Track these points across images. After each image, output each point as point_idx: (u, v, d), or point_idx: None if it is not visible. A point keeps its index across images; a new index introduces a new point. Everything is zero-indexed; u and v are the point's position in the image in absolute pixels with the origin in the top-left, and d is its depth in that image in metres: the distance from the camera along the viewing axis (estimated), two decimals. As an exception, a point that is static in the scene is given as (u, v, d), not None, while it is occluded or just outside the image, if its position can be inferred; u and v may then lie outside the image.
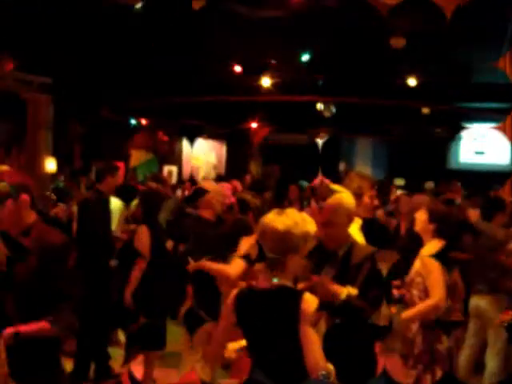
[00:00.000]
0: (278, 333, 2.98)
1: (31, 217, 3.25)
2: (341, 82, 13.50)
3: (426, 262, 4.55)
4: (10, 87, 11.37)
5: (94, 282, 6.14)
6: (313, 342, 2.95)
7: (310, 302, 2.97)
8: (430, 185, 16.86)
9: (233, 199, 8.56)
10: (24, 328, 3.08)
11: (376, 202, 4.93)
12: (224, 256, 4.84)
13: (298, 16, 9.03)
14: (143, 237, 5.72)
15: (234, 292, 3.15)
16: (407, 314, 4.59)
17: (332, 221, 3.81)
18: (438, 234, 4.70)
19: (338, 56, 11.76)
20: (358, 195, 4.59)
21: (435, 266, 4.50)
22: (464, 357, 6.09)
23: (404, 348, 4.75)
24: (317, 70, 12.29)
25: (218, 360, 3.44)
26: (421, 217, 4.83)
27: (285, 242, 2.99)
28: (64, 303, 3.21)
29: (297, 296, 2.99)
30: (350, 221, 3.87)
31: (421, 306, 4.52)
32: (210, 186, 5.65)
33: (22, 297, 3.12)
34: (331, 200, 3.92)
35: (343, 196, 3.96)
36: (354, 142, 19.85)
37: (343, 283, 3.61)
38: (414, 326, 4.65)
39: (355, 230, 4.44)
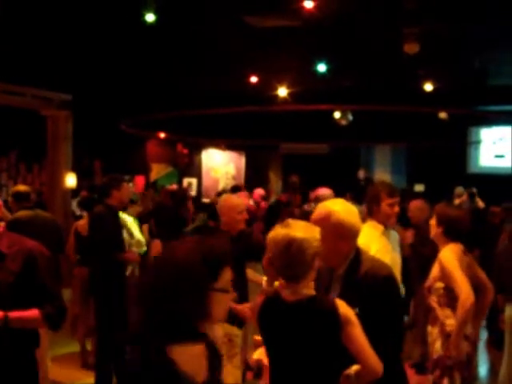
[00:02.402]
0: (312, 346, 2.85)
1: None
2: (357, 90, 13.52)
3: (445, 266, 4.50)
4: (30, 104, 11.53)
5: (111, 291, 6.25)
6: (365, 342, 2.83)
7: (343, 305, 2.87)
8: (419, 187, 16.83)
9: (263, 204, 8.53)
10: (14, 314, 3.14)
11: (397, 210, 4.73)
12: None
13: (311, 25, 9.07)
14: (155, 249, 5.88)
15: (260, 300, 3.07)
16: (455, 332, 4.45)
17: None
18: (446, 236, 4.67)
19: (354, 64, 11.79)
20: (376, 203, 4.60)
21: (454, 265, 4.46)
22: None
23: (424, 352, 4.74)
24: (333, 78, 12.31)
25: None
26: (432, 221, 4.81)
27: (306, 249, 2.84)
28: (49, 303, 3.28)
29: (330, 302, 2.87)
30: (342, 235, 3.18)
31: (457, 315, 4.42)
32: (225, 203, 5.49)
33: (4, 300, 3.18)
34: (319, 211, 3.29)
35: (332, 207, 3.24)
36: (373, 149, 19.82)
37: (349, 304, 2.95)
38: (435, 331, 4.62)
39: (375, 237, 4.44)
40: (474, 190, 11.15)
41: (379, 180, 17.46)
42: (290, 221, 2.98)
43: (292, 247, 2.83)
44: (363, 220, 4.01)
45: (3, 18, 8.46)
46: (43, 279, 3.31)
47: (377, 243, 4.35)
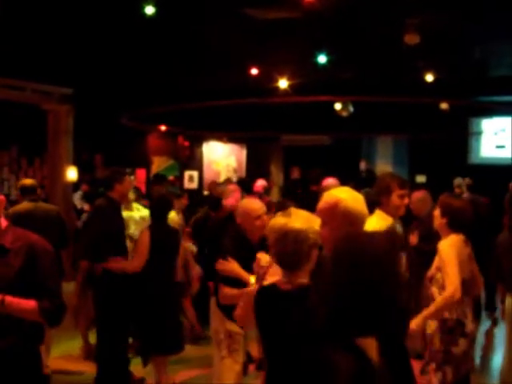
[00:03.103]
0: (306, 334, 2.83)
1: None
2: (358, 81, 13.50)
3: (442, 255, 4.54)
4: (31, 99, 11.53)
5: (108, 283, 6.30)
6: None
7: None
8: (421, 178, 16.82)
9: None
10: (10, 298, 3.15)
11: (406, 201, 4.72)
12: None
13: (312, 17, 9.05)
14: (143, 237, 5.92)
15: (254, 290, 3.10)
16: (426, 312, 4.56)
17: (327, 222, 3.15)
18: (450, 227, 4.68)
19: (355, 55, 11.77)
20: (386, 194, 4.60)
21: (450, 257, 4.48)
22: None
23: (422, 345, 4.74)
24: (334, 69, 12.28)
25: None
26: (436, 212, 4.83)
27: (303, 241, 2.90)
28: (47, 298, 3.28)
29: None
30: (350, 223, 3.16)
31: (437, 301, 4.50)
32: (241, 207, 5.23)
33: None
34: (326, 199, 3.27)
35: (340, 195, 3.26)
36: (374, 141, 19.81)
37: None
38: (434, 325, 4.63)
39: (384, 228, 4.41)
40: (467, 180, 11.13)
41: (382, 171, 17.52)
42: (293, 209, 3.03)
43: (289, 236, 2.90)
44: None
45: (3, 12, 8.45)
46: (43, 275, 3.31)
47: None
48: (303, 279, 2.97)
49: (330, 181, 7.10)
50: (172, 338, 6.03)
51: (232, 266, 4.53)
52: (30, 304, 3.22)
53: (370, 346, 2.20)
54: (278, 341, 2.97)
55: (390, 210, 4.58)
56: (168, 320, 6.02)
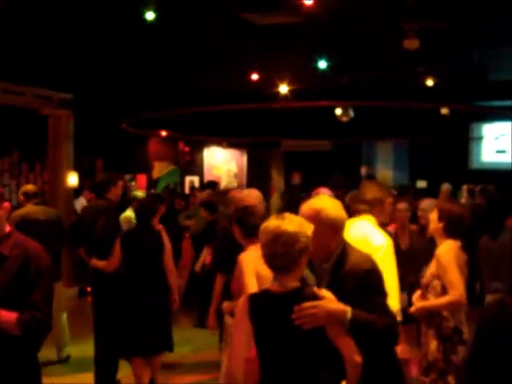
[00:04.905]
0: (299, 338, 2.92)
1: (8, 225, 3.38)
2: (358, 87, 13.50)
3: (442, 261, 4.51)
4: (31, 104, 11.53)
5: (107, 286, 6.54)
6: (345, 335, 2.94)
7: (328, 295, 2.98)
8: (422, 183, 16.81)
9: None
10: None
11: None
12: None
13: (311, 22, 9.06)
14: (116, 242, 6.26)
15: (245, 298, 3.12)
16: (425, 303, 4.55)
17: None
18: (446, 232, 4.66)
19: (354, 60, 11.78)
20: (378, 204, 4.62)
21: (450, 262, 4.45)
22: None
23: (419, 354, 4.71)
24: (334, 74, 12.30)
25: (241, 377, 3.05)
26: (432, 216, 4.81)
27: (295, 244, 2.92)
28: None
29: (313, 294, 2.97)
30: (333, 231, 3.30)
31: (442, 301, 4.47)
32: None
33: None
34: (307, 209, 3.37)
35: (322, 205, 3.36)
36: (375, 146, 19.82)
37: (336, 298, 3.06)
38: (430, 332, 4.59)
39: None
40: (465, 186, 11.12)
41: (383, 177, 17.53)
42: (287, 214, 3.04)
43: (280, 239, 2.92)
44: None
45: (3, 17, 8.47)
46: (31, 286, 3.22)
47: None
48: (294, 282, 2.99)
49: (322, 190, 7.17)
50: (149, 339, 6.08)
51: None
52: (8, 316, 3.15)
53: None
54: (273, 343, 2.97)
55: (381, 218, 4.61)
56: (147, 321, 6.11)
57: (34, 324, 3.21)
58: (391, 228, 7.60)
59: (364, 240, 4.18)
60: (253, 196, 5.63)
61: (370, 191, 4.68)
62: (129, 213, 8.17)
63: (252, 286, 4.44)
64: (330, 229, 3.24)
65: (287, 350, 2.94)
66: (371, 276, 3.20)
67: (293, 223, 2.97)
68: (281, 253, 2.92)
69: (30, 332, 3.21)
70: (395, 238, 7.26)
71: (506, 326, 2.46)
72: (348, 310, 2.94)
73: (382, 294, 3.22)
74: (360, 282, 3.14)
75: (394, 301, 3.85)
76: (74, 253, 8.06)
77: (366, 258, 3.35)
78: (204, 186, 14.95)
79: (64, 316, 7.77)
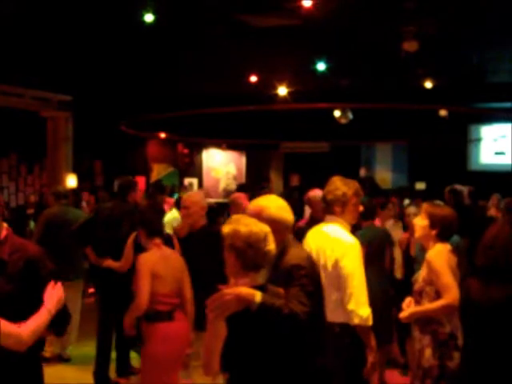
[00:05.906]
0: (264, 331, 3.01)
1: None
2: (356, 89, 13.52)
3: (433, 265, 4.41)
4: (30, 106, 11.54)
5: (117, 286, 6.50)
6: None
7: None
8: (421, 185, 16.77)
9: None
10: None
11: (361, 209, 4.64)
12: None
13: (310, 24, 9.07)
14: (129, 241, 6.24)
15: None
16: (417, 308, 4.49)
17: None
18: (440, 238, 4.55)
19: (353, 62, 11.79)
20: (343, 202, 4.47)
21: (442, 266, 4.38)
22: None
23: (413, 360, 4.64)
24: (332, 76, 12.31)
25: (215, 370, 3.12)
26: (421, 222, 4.64)
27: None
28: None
29: (277, 290, 3.14)
30: (274, 230, 3.27)
31: (435, 305, 4.40)
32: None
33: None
34: (252, 207, 3.56)
35: (265, 203, 3.53)
36: (374, 148, 19.83)
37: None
38: (425, 338, 4.51)
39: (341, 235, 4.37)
40: (458, 187, 11.02)
41: (382, 178, 17.54)
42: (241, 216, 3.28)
43: (251, 238, 3.05)
44: None
45: (2, 19, 8.47)
46: (42, 286, 3.18)
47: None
48: (259, 279, 3.12)
49: (316, 191, 7.15)
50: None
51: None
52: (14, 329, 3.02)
53: None
54: (245, 341, 3.05)
55: (348, 219, 4.51)
56: None
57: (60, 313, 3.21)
58: (377, 222, 7.58)
59: (337, 240, 4.27)
60: (192, 200, 6.07)
61: (330, 191, 4.55)
62: (175, 214, 8.56)
63: (144, 286, 4.81)
64: (270, 227, 3.23)
65: (255, 344, 3.02)
66: (296, 270, 3.29)
67: (254, 224, 3.13)
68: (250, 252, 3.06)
69: (58, 321, 3.20)
70: (406, 245, 7.22)
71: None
72: (257, 294, 2.97)
73: (303, 286, 3.26)
74: (287, 275, 3.27)
75: (362, 304, 4.09)
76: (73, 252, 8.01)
77: (300, 254, 3.48)
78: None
79: (75, 316, 7.75)
